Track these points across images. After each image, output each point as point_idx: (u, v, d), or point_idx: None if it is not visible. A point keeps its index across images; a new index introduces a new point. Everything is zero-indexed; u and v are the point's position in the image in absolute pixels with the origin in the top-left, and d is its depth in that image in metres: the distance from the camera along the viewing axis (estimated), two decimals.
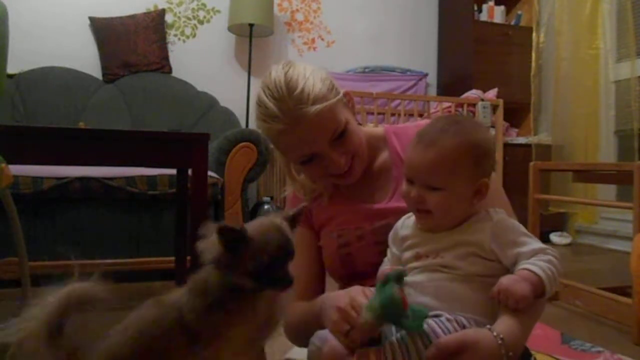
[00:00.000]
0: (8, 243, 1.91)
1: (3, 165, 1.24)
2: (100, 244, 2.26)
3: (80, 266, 2.48)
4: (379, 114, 3.25)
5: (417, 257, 0.78)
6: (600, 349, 1.53)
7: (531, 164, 2.15)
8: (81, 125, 2.51)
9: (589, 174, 2.24)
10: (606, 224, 3.50)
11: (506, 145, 3.45)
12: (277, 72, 0.86)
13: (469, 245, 0.74)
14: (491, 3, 3.96)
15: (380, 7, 4.00)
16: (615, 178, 2.15)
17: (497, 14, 3.97)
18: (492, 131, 3.37)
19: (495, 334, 0.67)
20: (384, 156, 0.96)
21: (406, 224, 0.82)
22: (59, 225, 2.21)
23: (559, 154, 3.56)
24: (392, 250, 0.84)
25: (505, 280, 0.69)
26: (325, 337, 0.71)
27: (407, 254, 0.80)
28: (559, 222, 3.64)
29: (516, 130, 3.94)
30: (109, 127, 2.76)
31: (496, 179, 0.90)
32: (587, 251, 3.39)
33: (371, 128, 1.00)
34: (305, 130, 0.82)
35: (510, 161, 3.41)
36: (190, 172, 1.77)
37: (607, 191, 3.36)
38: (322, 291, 0.99)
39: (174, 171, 2.21)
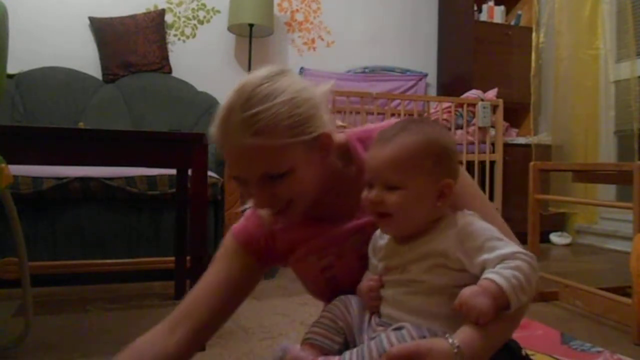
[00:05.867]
0: (8, 243, 1.92)
1: (3, 165, 1.23)
2: (100, 244, 2.26)
3: (80, 266, 2.49)
4: (379, 114, 3.26)
5: (387, 270, 0.76)
6: (600, 349, 1.53)
7: (531, 164, 2.15)
8: (81, 125, 2.51)
9: (589, 174, 2.24)
10: (606, 224, 3.50)
11: (506, 145, 3.45)
12: (256, 76, 0.75)
13: (434, 256, 0.71)
14: (491, 3, 3.96)
15: (380, 7, 4.00)
16: (615, 178, 2.15)
17: (497, 14, 3.97)
18: (492, 131, 3.38)
19: (451, 341, 0.64)
20: (349, 171, 0.84)
21: (381, 233, 0.81)
22: (59, 225, 2.21)
23: (559, 154, 3.56)
24: (372, 260, 0.82)
25: (466, 293, 0.65)
26: (287, 347, 0.70)
27: (380, 266, 0.78)
28: (559, 222, 3.64)
29: (516, 130, 3.94)
30: (109, 127, 2.77)
31: (471, 182, 0.85)
32: (587, 251, 3.39)
33: (335, 136, 0.86)
34: (235, 154, 0.74)
35: (510, 161, 3.42)
36: (190, 172, 1.77)
37: (607, 191, 3.37)
38: (217, 322, 0.91)
39: (174, 171, 2.21)
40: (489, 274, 0.66)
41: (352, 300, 0.78)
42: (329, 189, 0.84)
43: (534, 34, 3.73)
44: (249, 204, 0.87)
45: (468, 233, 0.71)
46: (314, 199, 0.82)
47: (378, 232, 0.81)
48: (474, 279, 0.69)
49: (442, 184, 0.73)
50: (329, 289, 0.86)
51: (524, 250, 0.69)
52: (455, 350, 0.64)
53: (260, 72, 0.76)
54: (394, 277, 0.74)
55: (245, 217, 0.93)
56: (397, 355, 0.64)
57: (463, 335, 0.66)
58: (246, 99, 0.72)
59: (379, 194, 0.72)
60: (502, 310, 0.66)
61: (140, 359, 0.82)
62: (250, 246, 0.90)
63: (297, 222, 0.86)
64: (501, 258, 0.68)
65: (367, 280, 0.78)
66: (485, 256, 0.68)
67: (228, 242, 0.92)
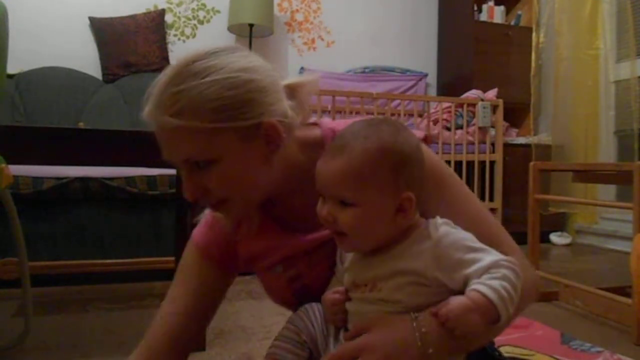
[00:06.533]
0: (8, 243, 1.92)
1: (3, 165, 1.23)
2: (100, 244, 2.26)
3: (80, 266, 2.49)
4: (379, 114, 3.25)
5: (355, 286, 0.69)
6: (600, 349, 1.53)
7: (531, 164, 2.15)
8: (81, 125, 2.51)
9: (589, 174, 2.24)
10: (606, 224, 3.50)
11: (506, 145, 3.45)
12: (197, 51, 0.68)
13: (407, 274, 0.64)
14: (491, 3, 3.96)
15: (380, 7, 4.00)
16: (615, 178, 2.15)
17: (497, 14, 3.97)
18: (492, 131, 3.38)
19: (415, 324, 0.62)
20: None
21: None
22: (59, 225, 2.20)
23: (559, 154, 3.56)
24: (338, 266, 0.75)
25: (454, 307, 0.60)
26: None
27: (346, 279, 0.71)
28: (559, 222, 3.64)
29: (516, 130, 3.94)
30: (109, 127, 2.77)
31: (455, 182, 0.77)
32: (587, 251, 3.39)
33: (307, 130, 0.77)
34: (159, 134, 0.67)
35: (510, 161, 3.42)
36: None
37: (607, 191, 3.37)
38: (189, 337, 0.82)
39: (174, 171, 2.21)
40: (476, 286, 0.61)
41: (317, 311, 0.73)
42: (296, 190, 0.75)
43: (534, 34, 3.73)
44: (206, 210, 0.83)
45: (445, 247, 0.64)
46: (265, 198, 0.74)
47: None
48: (453, 293, 0.64)
49: (402, 198, 0.64)
50: (297, 299, 0.78)
51: (505, 257, 0.64)
52: (417, 334, 0.61)
53: (205, 48, 0.68)
54: (363, 295, 0.68)
55: (205, 224, 0.84)
56: (358, 328, 0.65)
57: (432, 322, 0.62)
58: (175, 75, 0.65)
59: (331, 211, 0.65)
60: (491, 324, 0.61)
61: None
62: (212, 255, 0.82)
63: (263, 229, 0.79)
64: (485, 269, 0.62)
65: (332, 293, 0.72)
66: (466, 271, 0.63)
67: (189, 251, 0.85)
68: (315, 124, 0.80)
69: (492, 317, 0.60)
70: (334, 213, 0.64)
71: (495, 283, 0.61)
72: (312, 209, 0.69)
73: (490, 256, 0.64)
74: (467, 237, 0.66)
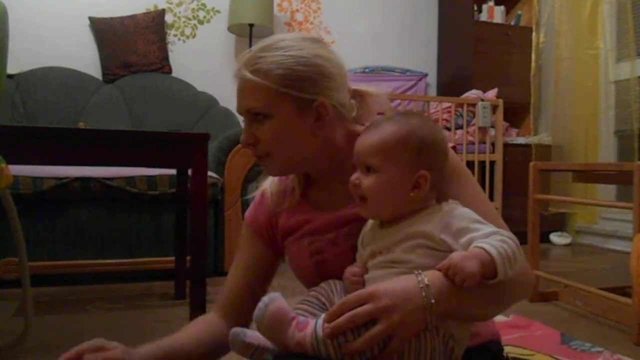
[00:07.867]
0: (8, 243, 1.92)
1: (3, 165, 1.23)
2: (100, 244, 2.26)
3: (80, 266, 2.48)
4: (378, 114, 3.25)
5: (372, 255, 0.77)
6: (600, 349, 1.53)
7: (531, 164, 2.15)
8: (81, 125, 2.51)
9: (589, 174, 2.24)
10: (606, 224, 3.50)
11: (506, 145, 3.45)
12: (291, 33, 0.88)
13: (417, 237, 0.73)
14: (491, 3, 3.96)
15: (380, 7, 4.00)
16: (615, 178, 2.15)
17: (497, 14, 3.97)
18: (492, 131, 3.38)
19: (420, 278, 0.67)
20: None
21: (370, 222, 0.81)
22: (59, 225, 2.21)
23: (559, 154, 3.56)
24: (359, 250, 0.82)
25: (455, 256, 0.67)
26: (274, 297, 0.70)
27: (365, 252, 0.79)
28: (559, 222, 3.64)
29: (516, 130, 3.94)
30: (109, 127, 2.77)
31: (473, 183, 0.85)
32: (587, 251, 3.40)
33: (357, 126, 0.89)
34: (238, 85, 0.83)
35: (510, 161, 3.42)
36: (190, 172, 1.77)
37: (607, 191, 3.37)
38: (249, 307, 0.92)
39: (174, 171, 2.21)
40: (478, 243, 0.68)
41: (337, 284, 0.80)
42: (335, 174, 0.86)
43: (534, 34, 3.73)
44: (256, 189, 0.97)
45: (453, 216, 0.73)
46: (307, 169, 0.88)
47: (368, 222, 0.82)
48: None
49: (418, 175, 0.74)
50: (317, 274, 0.85)
51: (507, 231, 0.72)
52: (421, 286, 0.66)
53: (298, 33, 0.88)
54: (378, 260, 0.76)
55: (254, 204, 0.97)
56: (360, 292, 0.69)
57: (434, 277, 0.68)
58: (266, 45, 0.82)
59: (359, 176, 0.76)
60: (488, 279, 0.67)
61: (205, 334, 0.89)
62: (260, 229, 0.94)
63: (299, 207, 0.90)
64: (488, 234, 0.70)
65: (352, 266, 0.80)
66: (472, 234, 0.70)
67: (243, 229, 0.98)
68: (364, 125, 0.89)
69: (490, 270, 0.66)
70: (360, 177, 0.75)
71: (497, 243, 0.68)
72: (346, 192, 0.79)
73: (494, 228, 0.72)
74: (474, 214, 0.74)
